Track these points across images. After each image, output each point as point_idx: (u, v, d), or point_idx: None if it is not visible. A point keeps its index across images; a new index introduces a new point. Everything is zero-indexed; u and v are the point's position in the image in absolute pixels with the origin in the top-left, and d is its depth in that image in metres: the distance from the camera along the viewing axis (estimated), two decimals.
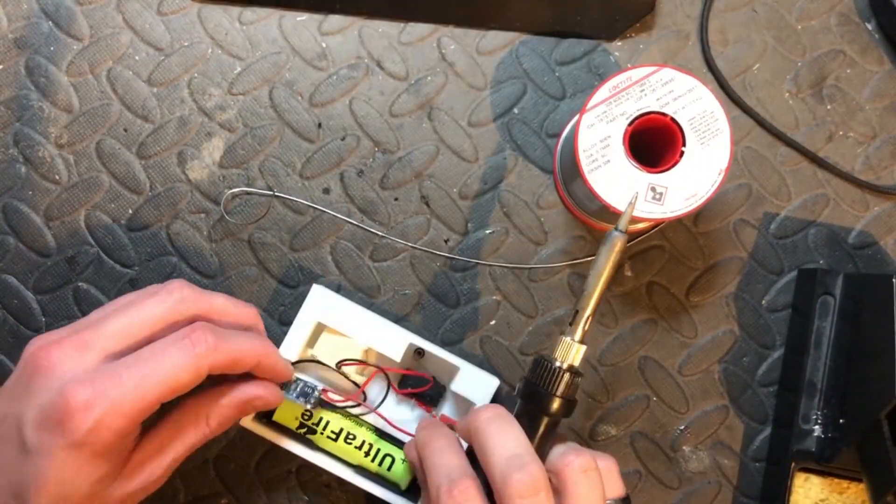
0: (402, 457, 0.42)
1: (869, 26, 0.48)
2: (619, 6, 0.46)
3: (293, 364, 0.41)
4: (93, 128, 0.46)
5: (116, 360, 0.33)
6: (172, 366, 0.33)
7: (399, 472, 0.42)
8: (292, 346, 0.42)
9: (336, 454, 0.42)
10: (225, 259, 0.46)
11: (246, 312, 0.38)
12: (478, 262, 0.46)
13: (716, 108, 0.39)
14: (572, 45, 0.47)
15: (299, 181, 0.46)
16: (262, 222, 0.46)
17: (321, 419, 0.42)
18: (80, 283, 0.45)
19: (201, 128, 0.46)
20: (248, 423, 0.41)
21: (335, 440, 0.42)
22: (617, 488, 0.36)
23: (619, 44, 0.47)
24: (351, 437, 0.42)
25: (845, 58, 0.48)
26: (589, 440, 0.46)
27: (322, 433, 0.42)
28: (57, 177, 0.45)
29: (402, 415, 0.44)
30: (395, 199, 0.46)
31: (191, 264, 0.45)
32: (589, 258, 0.46)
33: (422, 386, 0.43)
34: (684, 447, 0.46)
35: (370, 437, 0.42)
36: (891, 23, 0.47)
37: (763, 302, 0.47)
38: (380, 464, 0.42)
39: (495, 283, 0.46)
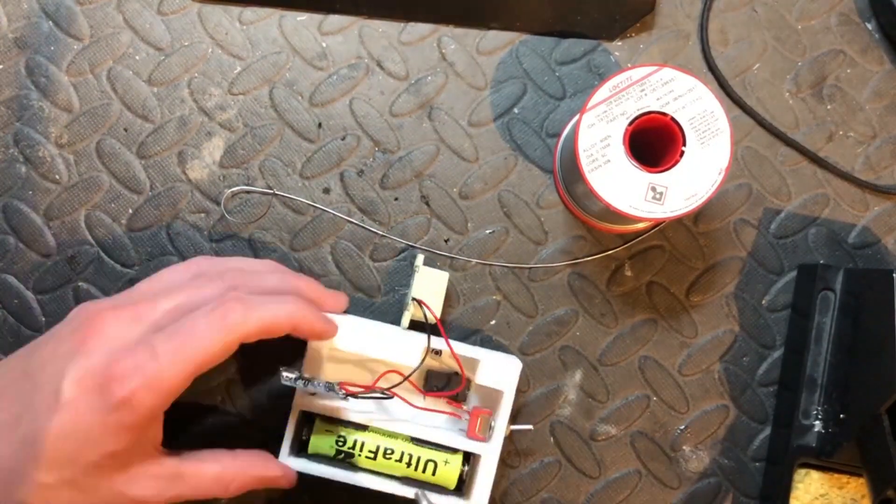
0: (444, 459, 0.41)
1: (869, 26, 0.48)
2: (619, 6, 0.46)
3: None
4: (93, 127, 0.46)
5: (157, 333, 0.34)
6: (204, 339, 0.34)
7: (444, 474, 0.41)
8: (311, 367, 0.42)
9: (380, 473, 0.41)
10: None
11: (293, 282, 0.39)
12: (478, 262, 0.46)
13: (716, 108, 0.39)
14: (572, 45, 0.47)
15: (299, 181, 0.46)
16: (262, 222, 0.46)
17: (355, 441, 0.41)
18: (80, 283, 0.45)
19: (201, 127, 0.46)
20: (283, 460, 0.41)
21: (374, 458, 0.41)
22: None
23: (620, 44, 0.47)
24: (389, 451, 0.41)
25: (845, 58, 0.48)
26: (589, 440, 0.46)
27: (360, 455, 0.41)
28: (57, 176, 0.45)
29: (432, 420, 0.43)
30: (396, 199, 0.46)
31: None
32: (589, 258, 0.46)
33: (449, 387, 0.42)
34: (684, 447, 0.46)
35: (408, 447, 0.41)
36: (891, 23, 0.47)
37: (763, 302, 0.47)
38: (423, 471, 0.41)
39: (495, 282, 0.46)
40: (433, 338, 0.41)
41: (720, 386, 0.47)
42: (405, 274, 0.46)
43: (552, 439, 0.46)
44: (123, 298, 0.37)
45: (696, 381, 0.47)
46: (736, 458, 0.46)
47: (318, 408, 0.41)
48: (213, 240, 0.46)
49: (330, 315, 0.40)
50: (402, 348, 0.41)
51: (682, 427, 0.46)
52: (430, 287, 0.43)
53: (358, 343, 0.40)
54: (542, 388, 0.46)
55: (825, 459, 0.43)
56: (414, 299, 0.42)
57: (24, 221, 0.45)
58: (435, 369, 0.43)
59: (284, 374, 0.39)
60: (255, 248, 0.46)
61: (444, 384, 0.42)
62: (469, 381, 0.43)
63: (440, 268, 0.45)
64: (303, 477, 0.41)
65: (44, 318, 0.45)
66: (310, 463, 0.41)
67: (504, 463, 0.46)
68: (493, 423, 0.42)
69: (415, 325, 0.42)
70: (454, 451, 0.42)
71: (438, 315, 0.42)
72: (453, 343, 0.41)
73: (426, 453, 0.41)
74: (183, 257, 0.45)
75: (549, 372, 0.46)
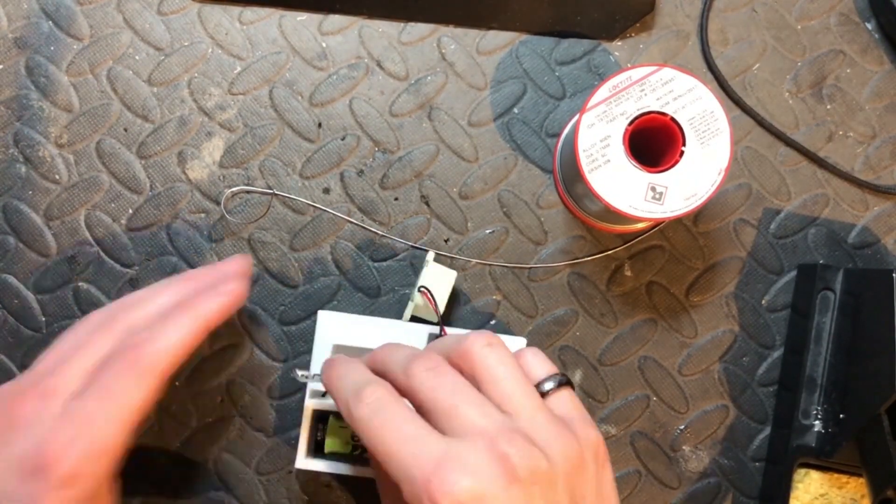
0: None
1: (869, 26, 0.48)
2: (619, 6, 0.46)
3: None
4: (93, 127, 0.46)
5: (75, 401, 0.32)
6: (125, 392, 0.32)
7: None
8: (319, 363, 0.41)
9: None
10: (225, 259, 0.46)
11: (182, 287, 0.37)
12: (478, 262, 0.46)
13: (716, 108, 0.39)
14: (572, 44, 0.47)
15: (299, 181, 0.46)
16: (262, 222, 0.46)
17: None
18: (80, 283, 0.45)
19: (201, 127, 0.46)
20: (302, 463, 0.40)
21: None
22: (546, 368, 0.33)
23: (619, 44, 0.47)
24: None
25: (845, 58, 0.48)
26: None
27: None
28: (57, 176, 0.45)
29: None
30: (395, 199, 0.46)
31: (191, 264, 0.45)
32: (589, 258, 0.46)
33: None
34: (684, 447, 0.46)
35: None
36: (891, 23, 0.47)
37: (763, 302, 0.47)
38: None
39: (495, 282, 0.46)
40: (433, 329, 0.41)
41: (720, 386, 0.47)
42: (405, 274, 0.46)
43: None
44: (27, 380, 0.34)
45: (696, 381, 0.47)
46: (736, 458, 0.46)
47: (330, 406, 0.41)
48: (213, 240, 0.46)
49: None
50: (406, 340, 0.41)
51: (682, 427, 0.46)
52: (437, 283, 0.43)
53: (362, 338, 0.41)
54: None
55: (825, 459, 0.43)
56: (421, 288, 0.42)
57: (24, 221, 0.45)
58: None
59: (300, 373, 0.39)
60: (254, 248, 0.46)
61: None
62: None
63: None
64: (319, 476, 0.40)
65: (44, 318, 0.45)
66: (328, 462, 0.41)
67: None
68: None
69: (415, 320, 0.43)
70: None
71: (442, 311, 0.43)
72: (455, 330, 0.41)
73: None
74: (183, 257, 0.45)
75: None
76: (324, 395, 0.41)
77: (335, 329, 0.42)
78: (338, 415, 0.41)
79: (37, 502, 0.31)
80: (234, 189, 0.46)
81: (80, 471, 0.31)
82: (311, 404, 0.41)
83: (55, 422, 0.32)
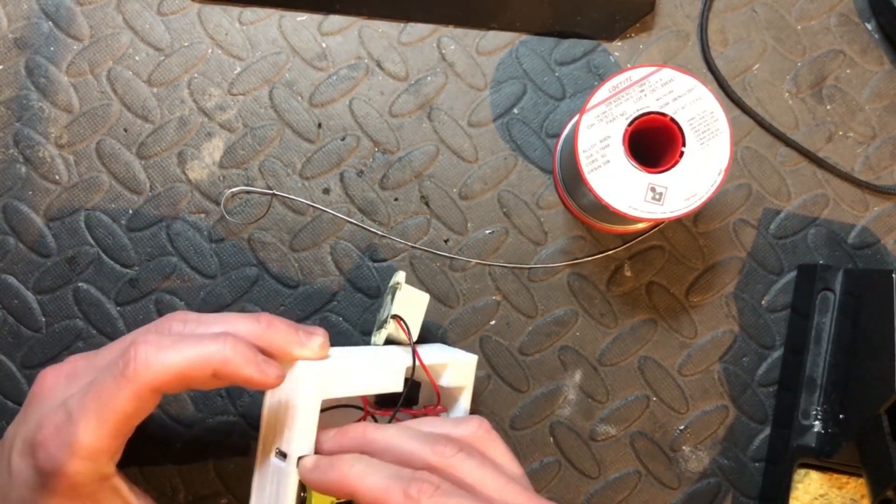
0: None
1: (869, 26, 0.48)
2: (619, 6, 0.46)
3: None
4: (93, 128, 0.46)
5: (74, 396, 0.31)
6: (111, 395, 0.30)
7: None
8: (307, 437, 0.34)
9: None
10: (225, 259, 0.46)
11: (235, 323, 0.34)
12: (478, 262, 0.46)
13: (716, 108, 0.39)
14: (572, 45, 0.47)
15: (299, 181, 0.46)
16: (262, 222, 0.46)
17: None
18: (80, 283, 0.45)
19: (201, 128, 0.46)
20: None
21: None
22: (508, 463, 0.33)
23: (619, 44, 0.47)
24: None
25: (845, 58, 0.48)
26: (589, 440, 0.46)
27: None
28: (57, 177, 0.45)
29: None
30: (395, 199, 0.46)
31: (191, 264, 0.45)
32: (589, 258, 0.46)
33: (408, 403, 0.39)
34: (684, 447, 0.46)
35: None
36: (891, 23, 0.47)
37: (763, 302, 0.47)
38: None
39: (495, 283, 0.46)
40: (407, 359, 0.38)
41: (720, 386, 0.47)
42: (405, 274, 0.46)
43: (552, 439, 0.46)
44: (78, 356, 0.34)
45: (696, 381, 0.47)
46: (736, 459, 0.46)
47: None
48: (213, 240, 0.46)
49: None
50: (387, 370, 0.37)
51: (682, 427, 0.46)
52: (410, 307, 0.40)
53: (346, 384, 0.35)
54: (542, 389, 0.46)
55: (825, 459, 0.43)
56: (395, 316, 0.40)
57: (24, 222, 0.45)
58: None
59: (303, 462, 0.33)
60: (254, 249, 0.46)
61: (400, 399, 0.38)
62: (417, 384, 0.40)
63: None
64: (254, 444, 0.38)
65: (44, 318, 0.45)
66: None
67: None
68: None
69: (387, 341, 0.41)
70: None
71: (415, 337, 0.40)
72: (430, 349, 0.41)
73: None
74: (183, 258, 0.45)
75: (548, 372, 0.46)
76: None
77: (319, 381, 0.34)
78: None
79: (23, 485, 0.31)
80: (234, 189, 0.46)
81: (64, 468, 0.30)
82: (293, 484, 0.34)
83: (55, 407, 0.31)
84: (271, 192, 0.46)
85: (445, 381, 0.41)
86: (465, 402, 0.41)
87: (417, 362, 0.38)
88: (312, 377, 0.33)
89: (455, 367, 0.41)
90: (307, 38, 0.47)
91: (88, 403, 0.30)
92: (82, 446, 0.30)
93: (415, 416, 0.39)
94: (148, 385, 0.30)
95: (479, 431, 0.34)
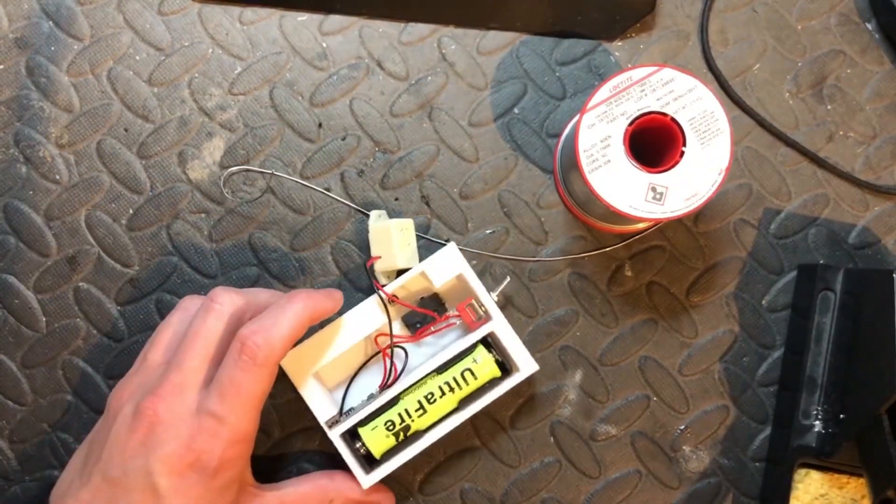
0: (472, 359, 0.42)
1: (869, 26, 0.48)
2: (620, 6, 0.46)
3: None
4: (93, 128, 0.46)
5: (207, 398, 0.36)
6: (250, 385, 0.36)
7: (482, 369, 0.41)
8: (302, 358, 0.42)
9: (440, 417, 0.42)
10: (225, 259, 0.46)
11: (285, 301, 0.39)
12: (479, 253, 0.46)
13: (716, 108, 0.39)
14: (572, 45, 0.47)
15: (300, 181, 0.46)
16: (263, 222, 0.46)
17: (400, 414, 0.41)
18: (80, 283, 0.45)
19: (202, 128, 0.46)
20: (369, 480, 0.41)
21: (424, 411, 0.41)
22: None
23: (620, 44, 0.47)
24: (430, 395, 0.41)
25: (845, 58, 0.48)
26: (589, 440, 0.46)
27: (413, 419, 0.41)
28: (57, 177, 0.45)
29: (437, 344, 0.45)
30: (396, 199, 0.46)
31: (191, 264, 0.45)
32: (588, 253, 0.46)
33: (425, 319, 0.44)
34: (684, 447, 0.46)
35: (439, 379, 0.41)
36: (891, 23, 0.47)
37: (763, 302, 0.47)
38: (466, 383, 0.41)
39: (495, 283, 0.46)
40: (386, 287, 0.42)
41: (720, 386, 0.47)
42: None
43: (552, 439, 0.46)
44: (145, 376, 0.38)
45: (696, 381, 0.47)
46: (736, 459, 0.46)
47: (353, 421, 0.41)
48: (214, 240, 0.46)
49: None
50: (363, 317, 0.42)
51: (682, 427, 0.46)
52: (382, 240, 0.43)
53: (331, 347, 0.42)
54: (543, 388, 0.46)
55: (825, 459, 0.43)
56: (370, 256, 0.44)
57: (25, 221, 0.45)
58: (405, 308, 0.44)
59: (330, 431, 0.41)
60: (254, 248, 0.46)
61: (420, 317, 0.44)
62: (439, 299, 0.44)
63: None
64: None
65: (44, 318, 0.45)
66: (386, 465, 0.41)
67: (504, 463, 0.46)
68: (480, 303, 0.42)
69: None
70: (473, 347, 0.42)
71: (417, 261, 0.44)
72: (393, 283, 0.42)
73: (456, 369, 0.41)
74: (183, 257, 0.45)
75: (549, 372, 0.46)
76: (340, 415, 0.42)
77: (303, 353, 0.42)
78: (363, 423, 0.41)
79: (185, 496, 0.35)
80: (233, 169, 0.46)
81: (227, 461, 0.35)
82: (336, 432, 0.41)
83: (194, 419, 0.35)
84: (270, 171, 0.46)
85: (439, 281, 0.42)
86: (472, 282, 0.42)
87: (391, 300, 0.42)
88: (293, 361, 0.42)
89: (437, 264, 0.42)
90: (308, 38, 0.47)
91: (231, 399, 0.35)
92: (242, 436, 0.36)
93: (429, 333, 0.44)
94: (275, 362, 0.36)
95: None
